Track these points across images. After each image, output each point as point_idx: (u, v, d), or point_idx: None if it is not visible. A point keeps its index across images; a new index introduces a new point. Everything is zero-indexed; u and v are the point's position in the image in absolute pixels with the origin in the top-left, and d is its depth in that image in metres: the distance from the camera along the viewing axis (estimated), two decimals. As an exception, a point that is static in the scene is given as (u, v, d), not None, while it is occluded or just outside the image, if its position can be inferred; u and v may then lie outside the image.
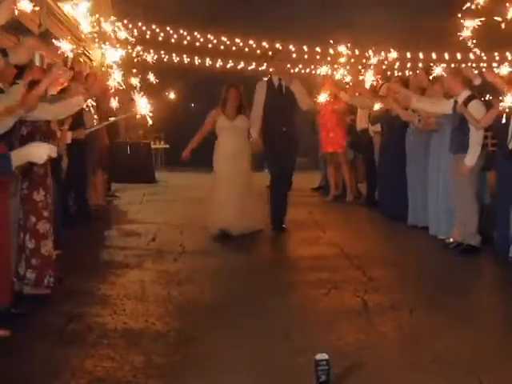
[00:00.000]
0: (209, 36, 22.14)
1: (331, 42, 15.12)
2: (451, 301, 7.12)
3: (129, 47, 19.08)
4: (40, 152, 4.34)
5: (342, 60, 14.66)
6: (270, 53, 11.65)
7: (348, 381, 4.97)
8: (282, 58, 11.62)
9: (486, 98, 9.48)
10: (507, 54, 18.14)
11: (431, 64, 12.27)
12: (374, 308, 6.84)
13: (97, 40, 16.93)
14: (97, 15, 16.36)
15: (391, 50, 15.56)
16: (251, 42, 22.37)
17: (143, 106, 7.46)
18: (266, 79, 11.18)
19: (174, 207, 13.87)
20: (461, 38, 9.66)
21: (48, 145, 4.44)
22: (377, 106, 11.97)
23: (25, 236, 7.05)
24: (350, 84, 13.51)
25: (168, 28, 21.56)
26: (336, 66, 14.98)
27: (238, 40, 22.32)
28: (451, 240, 9.56)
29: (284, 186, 10.87)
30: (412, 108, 10.41)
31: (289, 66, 12.05)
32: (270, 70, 11.75)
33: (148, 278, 8.06)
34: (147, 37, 21.30)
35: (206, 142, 10.84)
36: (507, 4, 8.70)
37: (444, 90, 9.97)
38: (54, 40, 10.28)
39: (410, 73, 17.70)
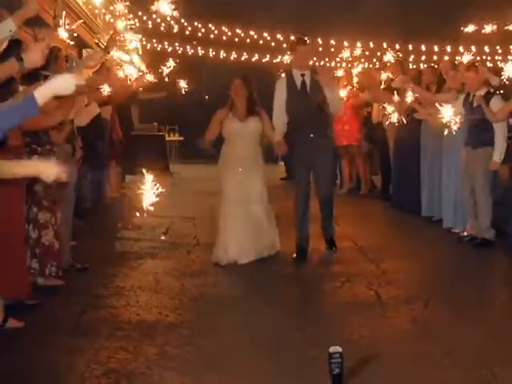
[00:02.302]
0: (223, 28, 22.14)
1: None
2: (465, 294, 7.11)
3: (143, 39, 19.11)
4: (66, 83, 4.13)
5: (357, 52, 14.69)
6: (293, 39, 9.13)
7: (361, 373, 4.97)
8: (307, 48, 8.85)
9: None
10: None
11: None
12: (387, 301, 6.84)
13: (111, 32, 16.94)
14: (111, 7, 16.38)
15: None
16: (265, 34, 22.35)
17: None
18: (283, 75, 9.11)
19: (188, 199, 13.88)
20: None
21: (73, 75, 4.26)
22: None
23: (28, 226, 7.07)
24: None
25: (182, 20, 21.56)
26: (350, 58, 15.02)
27: (252, 32, 22.31)
28: (465, 233, 9.57)
29: (322, 210, 8.89)
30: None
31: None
32: (290, 61, 9.79)
33: (161, 270, 8.09)
34: (161, 29, 21.33)
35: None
36: None
37: (458, 84, 9.96)
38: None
39: (425, 65, 17.66)
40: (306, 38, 8.78)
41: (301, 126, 8.58)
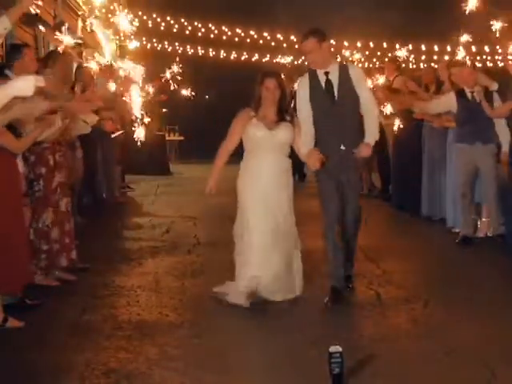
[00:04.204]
0: (223, 28, 22.15)
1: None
2: (465, 294, 7.11)
3: (143, 39, 19.13)
4: (25, 84, 4.05)
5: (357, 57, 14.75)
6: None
7: (361, 373, 4.97)
8: (312, 43, 6.93)
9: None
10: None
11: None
12: (387, 301, 6.84)
13: (111, 31, 16.97)
14: (111, 7, 16.39)
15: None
16: (265, 33, 22.37)
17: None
18: (306, 74, 7.16)
19: (189, 199, 13.87)
20: None
21: (33, 76, 4.22)
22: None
23: None
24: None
25: (182, 20, 21.59)
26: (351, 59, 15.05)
27: (252, 32, 22.32)
28: (478, 235, 9.68)
29: (347, 242, 7.21)
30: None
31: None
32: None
33: (162, 269, 8.09)
34: (161, 28, 21.35)
35: (223, 132, 7.14)
36: None
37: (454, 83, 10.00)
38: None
39: (425, 65, 17.68)
40: (310, 32, 7.01)
41: (328, 136, 6.91)
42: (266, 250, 6.79)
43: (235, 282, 6.86)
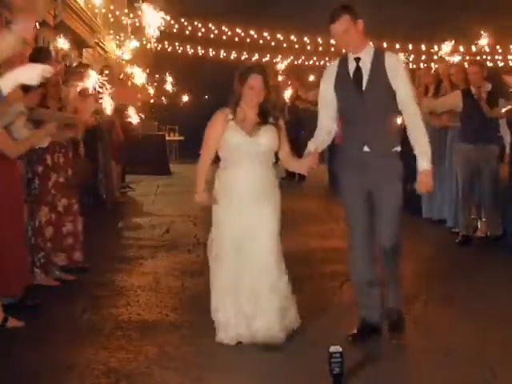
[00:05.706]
0: (223, 28, 22.16)
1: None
2: (465, 294, 7.11)
3: (143, 39, 19.12)
4: (32, 72, 3.96)
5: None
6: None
7: (361, 373, 4.96)
8: (342, 24, 5.71)
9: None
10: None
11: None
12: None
13: (112, 31, 16.98)
14: (111, 7, 16.41)
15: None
16: (265, 33, 22.37)
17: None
18: (337, 60, 5.96)
19: (188, 199, 13.82)
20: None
21: (41, 65, 4.19)
22: None
23: None
24: None
25: (182, 20, 21.59)
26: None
27: (252, 32, 22.33)
28: (480, 234, 9.70)
29: (386, 258, 6.07)
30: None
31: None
32: None
33: (162, 269, 8.09)
34: (162, 28, 21.36)
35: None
36: None
37: (458, 81, 10.00)
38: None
39: (425, 65, 17.67)
40: (342, 9, 5.80)
41: (351, 134, 5.79)
42: (239, 282, 5.75)
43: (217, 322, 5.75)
